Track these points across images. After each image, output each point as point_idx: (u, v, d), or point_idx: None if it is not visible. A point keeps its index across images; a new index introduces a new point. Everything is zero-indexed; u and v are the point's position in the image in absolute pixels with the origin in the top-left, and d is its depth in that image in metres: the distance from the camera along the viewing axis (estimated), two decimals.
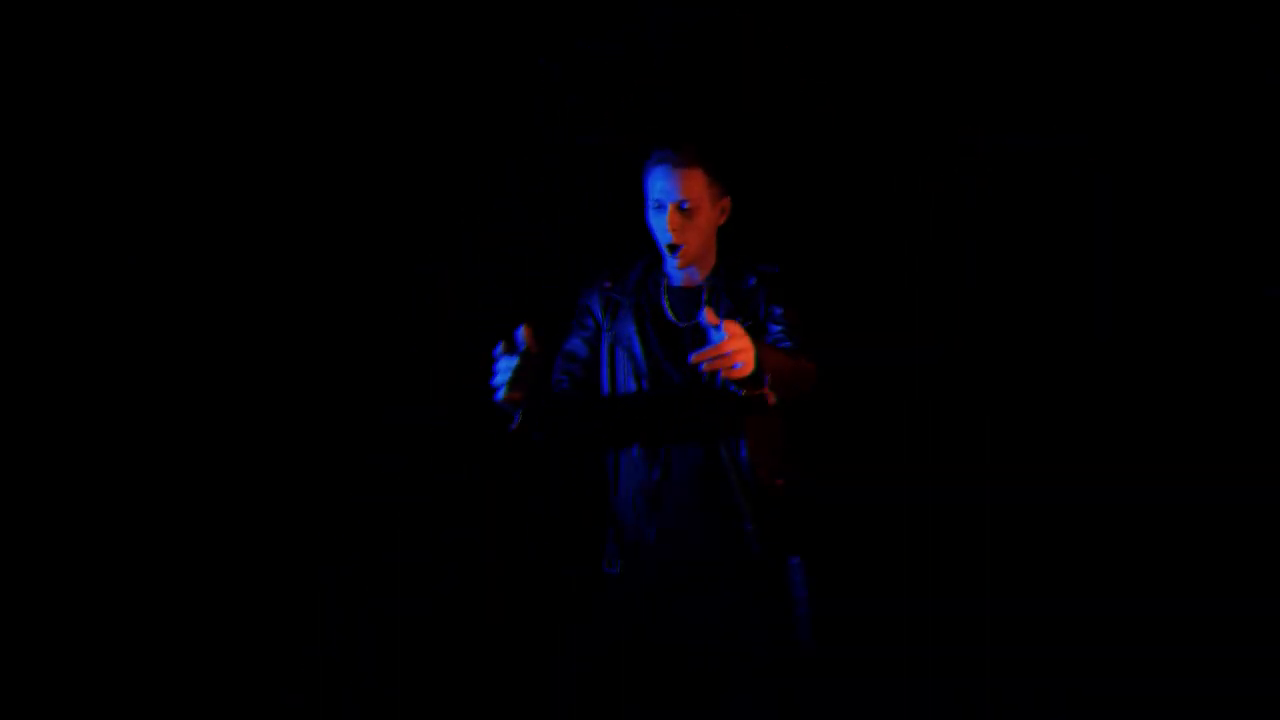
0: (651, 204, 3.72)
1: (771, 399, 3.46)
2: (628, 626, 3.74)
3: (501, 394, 3.53)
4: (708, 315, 3.34)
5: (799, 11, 4.87)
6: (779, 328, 3.71)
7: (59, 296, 4.71)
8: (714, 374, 3.39)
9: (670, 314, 3.79)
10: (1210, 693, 4.58)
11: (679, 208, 3.69)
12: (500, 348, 3.51)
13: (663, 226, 3.69)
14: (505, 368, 3.51)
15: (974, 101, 4.85)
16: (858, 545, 4.79)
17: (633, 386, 3.77)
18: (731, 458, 3.70)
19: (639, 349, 3.76)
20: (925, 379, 4.85)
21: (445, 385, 4.87)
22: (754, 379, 3.39)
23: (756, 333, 3.61)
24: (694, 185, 3.68)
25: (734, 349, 3.32)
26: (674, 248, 3.70)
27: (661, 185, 3.69)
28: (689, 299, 3.79)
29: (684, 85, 4.87)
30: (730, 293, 3.75)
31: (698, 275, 3.80)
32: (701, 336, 3.45)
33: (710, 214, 3.75)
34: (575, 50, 4.86)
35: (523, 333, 3.47)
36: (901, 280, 4.89)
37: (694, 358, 3.33)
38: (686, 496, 3.73)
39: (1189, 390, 4.80)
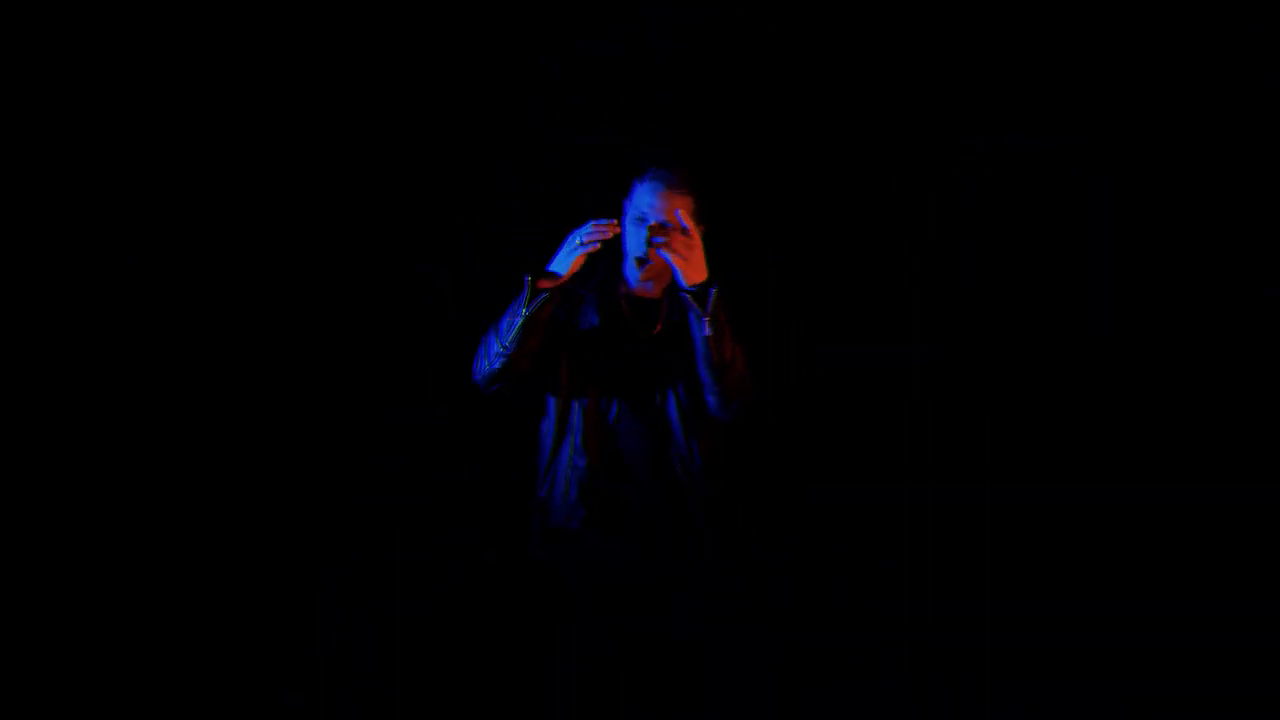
0: (633, 215, 3.79)
1: (717, 342, 3.63)
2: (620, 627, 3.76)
3: (576, 252, 3.66)
4: (682, 215, 3.66)
5: (799, 11, 4.87)
6: None
7: (59, 296, 4.71)
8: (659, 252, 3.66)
9: (629, 317, 3.84)
10: (1210, 693, 4.58)
11: (661, 227, 3.74)
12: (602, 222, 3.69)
13: (639, 240, 3.75)
14: (592, 237, 3.58)
15: (974, 101, 4.85)
16: (858, 545, 4.79)
17: (584, 376, 3.82)
18: (685, 465, 3.75)
19: (597, 343, 3.82)
20: (925, 379, 4.85)
21: (445, 385, 4.86)
22: (701, 293, 3.63)
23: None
24: (681, 211, 3.73)
25: (690, 244, 3.63)
26: (643, 262, 3.76)
27: (650, 201, 3.76)
28: (643, 308, 3.84)
29: (684, 85, 4.87)
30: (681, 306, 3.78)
31: (653, 287, 3.85)
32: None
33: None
34: (575, 50, 4.86)
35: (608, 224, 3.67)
36: (901, 280, 4.89)
37: (651, 234, 3.66)
38: (637, 499, 3.76)
39: (1189, 390, 4.80)
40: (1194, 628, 4.67)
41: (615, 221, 3.67)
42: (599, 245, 3.67)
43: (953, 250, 4.89)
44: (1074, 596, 4.76)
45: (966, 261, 4.90)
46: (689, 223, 3.67)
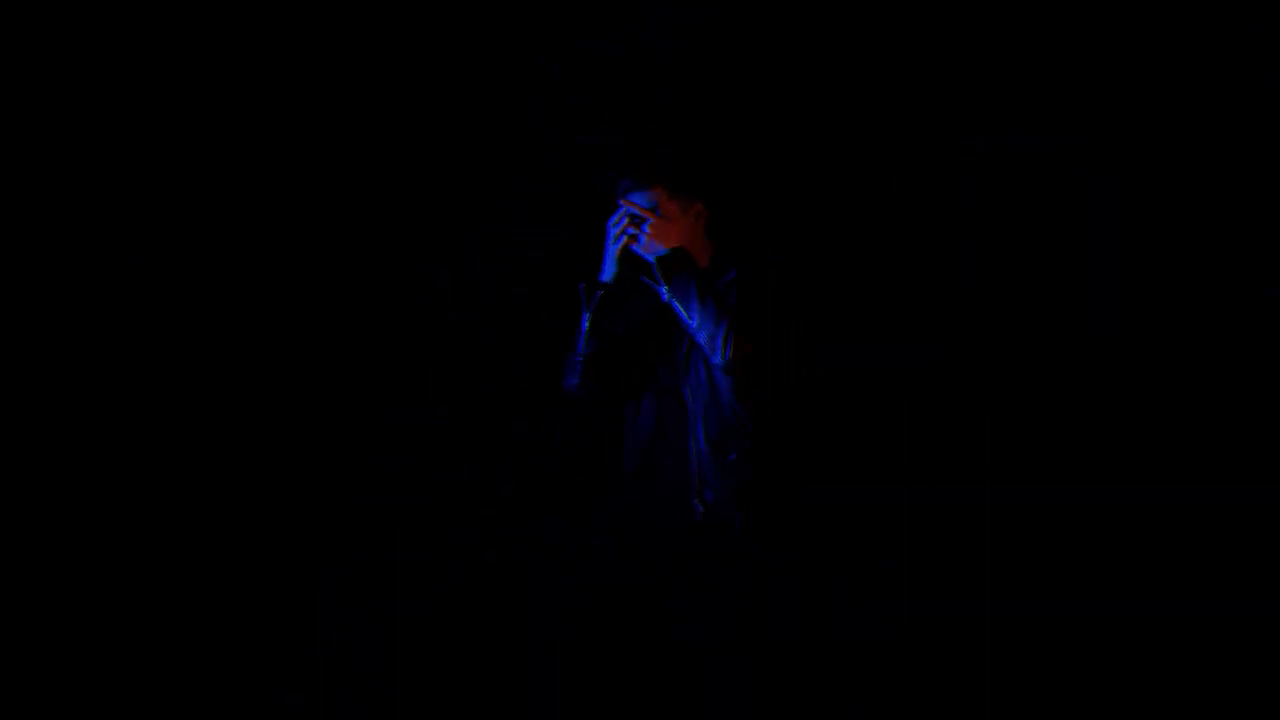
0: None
1: (681, 305, 3.77)
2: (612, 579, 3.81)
3: (613, 248, 3.81)
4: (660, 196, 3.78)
5: (799, 11, 4.86)
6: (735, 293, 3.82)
7: (59, 296, 4.71)
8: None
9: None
10: (1209, 692, 4.57)
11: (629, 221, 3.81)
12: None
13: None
14: (621, 228, 3.65)
15: (974, 101, 4.85)
16: (858, 545, 4.79)
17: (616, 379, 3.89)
18: (694, 434, 3.79)
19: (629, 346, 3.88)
20: (925, 379, 4.85)
21: (445, 385, 4.87)
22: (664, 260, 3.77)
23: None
24: (659, 199, 3.78)
25: (654, 222, 3.76)
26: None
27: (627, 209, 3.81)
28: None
29: (684, 85, 4.87)
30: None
31: None
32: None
33: (684, 222, 3.82)
34: (575, 50, 4.86)
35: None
36: (901, 280, 4.89)
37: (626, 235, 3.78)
38: (676, 482, 3.80)
39: (1189, 390, 4.80)
40: (1194, 628, 4.67)
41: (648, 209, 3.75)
42: (631, 234, 3.74)
43: (953, 250, 4.89)
44: (1074, 597, 4.76)
45: (966, 261, 4.89)
46: (658, 203, 3.77)
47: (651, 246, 3.76)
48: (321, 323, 4.85)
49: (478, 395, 4.84)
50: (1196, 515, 4.74)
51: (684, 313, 3.71)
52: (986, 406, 4.84)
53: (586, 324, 3.83)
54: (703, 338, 3.70)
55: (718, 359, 3.70)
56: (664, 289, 3.73)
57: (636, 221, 3.76)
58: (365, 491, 4.83)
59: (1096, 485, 4.76)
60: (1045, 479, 4.78)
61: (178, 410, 4.77)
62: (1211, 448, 4.74)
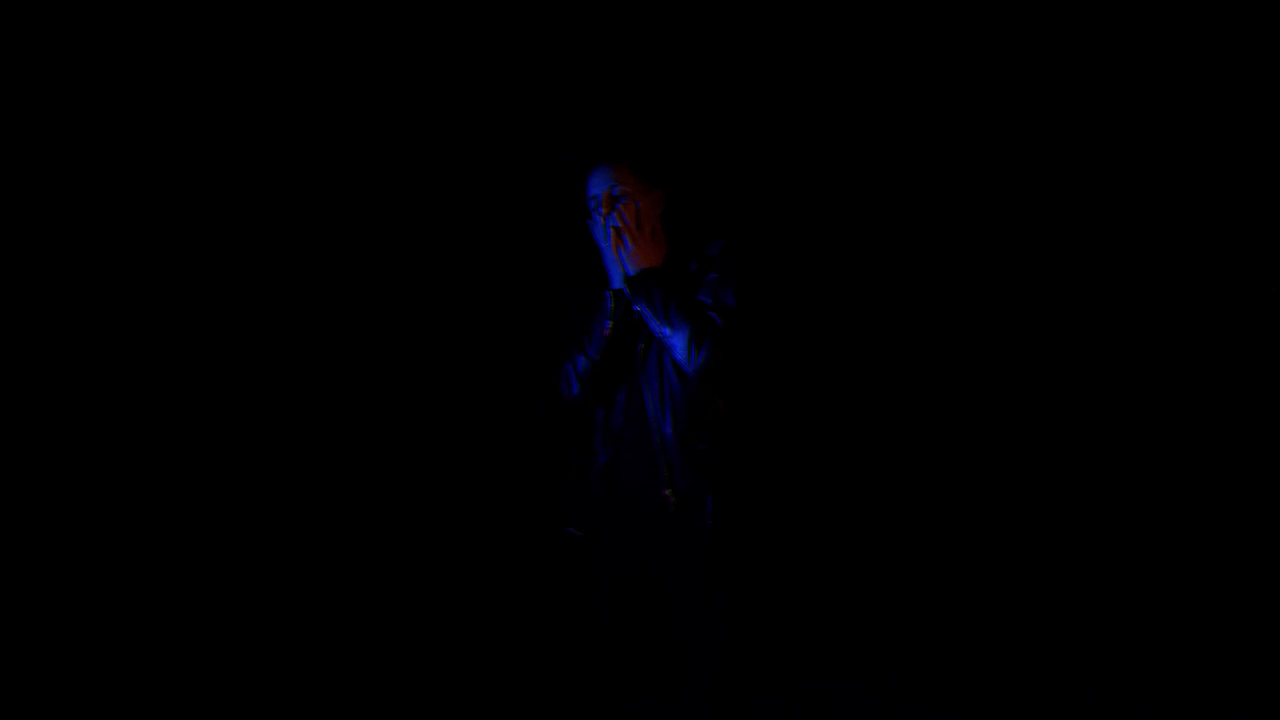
0: (591, 209, 3.82)
1: (652, 315, 3.74)
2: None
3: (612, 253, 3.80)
4: (623, 178, 3.74)
5: (799, 11, 4.88)
6: (705, 291, 3.78)
7: (59, 296, 4.73)
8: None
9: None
10: (1209, 693, 4.58)
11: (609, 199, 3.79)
12: None
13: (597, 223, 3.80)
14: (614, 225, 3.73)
15: (973, 102, 4.87)
16: (854, 544, 4.81)
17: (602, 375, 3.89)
18: (663, 446, 3.78)
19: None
20: (923, 377, 4.86)
21: (446, 385, 4.88)
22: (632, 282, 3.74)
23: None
24: (622, 176, 3.76)
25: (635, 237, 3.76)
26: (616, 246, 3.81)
27: (595, 180, 3.78)
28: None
29: (684, 85, 4.88)
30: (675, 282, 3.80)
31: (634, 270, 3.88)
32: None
33: (645, 204, 3.79)
34: (575, 50, 4.88)
35: None
36: (901, 280, 4.90)
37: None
38: (642, 474, 3.78)
39: (1189, 390, 4.81)
40: (1193, 626, 4.68)
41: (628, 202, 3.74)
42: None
43: (955, 249, 4.91)
44: (1074, 596, 4.78)
45: (967, 261, 4.91)
46: (630, 186, 3.73)
47: (626, 256, 3.73)
48: (324, 323, 4.87)
49: (478, 395, 4.86)
50: (1195, 515, 4.76)
51: (653, 321, 3.70)
52: (986, 405, 4.86)
53: (608, 331, 3.81)
54: (672, 344, 3.69)
55: (686, 364, 3.70)
56: (638, 304, 3.72)
57: (619, 234, 3.73)
58: (367, 492, 4.85)
59: (1096, 485, 4.79)
60: (1045, 479, 4.80)
61: (181, 411, 4.78)
62: (1211, 448, 4.76)
